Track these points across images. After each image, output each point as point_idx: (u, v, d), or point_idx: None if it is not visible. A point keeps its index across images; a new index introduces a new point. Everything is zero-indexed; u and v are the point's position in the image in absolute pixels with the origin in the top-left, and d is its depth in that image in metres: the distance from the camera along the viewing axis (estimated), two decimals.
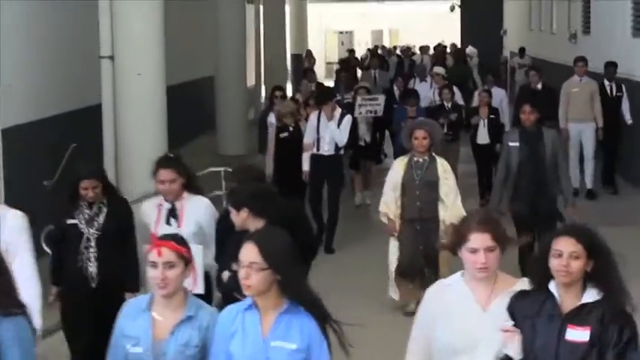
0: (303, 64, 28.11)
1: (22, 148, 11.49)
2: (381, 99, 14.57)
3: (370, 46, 39.98)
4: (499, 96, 15.67)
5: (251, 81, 24.53)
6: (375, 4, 47.19)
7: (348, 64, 24.21)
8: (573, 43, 19.71)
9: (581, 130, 14.50)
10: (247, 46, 21.26)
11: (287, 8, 31.35)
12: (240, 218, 6.27)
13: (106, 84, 11.69)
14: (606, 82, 14.52)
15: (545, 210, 9.31)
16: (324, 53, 44.72)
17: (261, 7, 27.26)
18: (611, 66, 14.57)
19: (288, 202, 10.80)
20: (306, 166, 12.22)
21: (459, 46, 31.77)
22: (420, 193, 8.97)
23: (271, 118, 13.47)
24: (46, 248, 9.98)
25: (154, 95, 11.55)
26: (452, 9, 38.36)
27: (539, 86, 15.73)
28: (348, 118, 12.28)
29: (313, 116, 12.36)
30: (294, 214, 6.83)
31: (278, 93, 14.05)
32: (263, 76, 27.01)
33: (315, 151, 12.18)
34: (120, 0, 11.37)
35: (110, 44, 11.55)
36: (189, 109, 19.05)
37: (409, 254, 9.16)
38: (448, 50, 30.75)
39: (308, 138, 12.20)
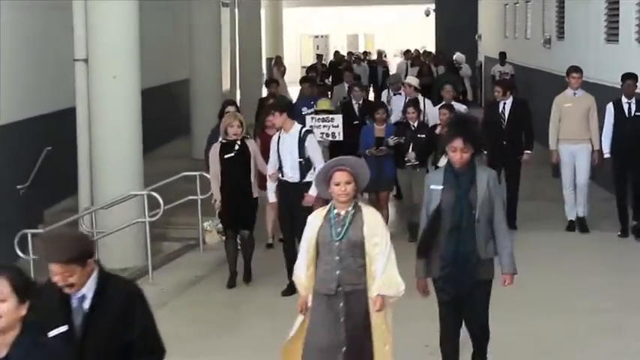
0: (271, 72, 27.23)
1: None
2: (338, 119, 12.36)
3: (346, 50, 39.98)
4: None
5: (226, 84, 24.50)
6: (351, 9, 47.25)
7: (310, 74, 20.41)
8: (547, 48, 19.82)
9: (575, 152, 12.36)
10: (223, 49, 21.23)
11: (262, 12, 31.34)
12: None
13: (80, 87, 11.64)
14: (624, 99, 11.86)
15: (472, 284, 6.76)
16: (300, 57, 44.72)
17: (237, 10, 27.23)
18: (630, 79, 11.90)
19: (233, 232, 10.54)
20: (272, 197, 10.38)
21: (433, 50, 31.80)
22: (341, 258, 6.49)
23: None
24: (19, 253, 9.94)
25: (129, 98, 11.52)
26: (427, 14, 38.50)
27: (509, 102, 12.63)
28: (311, 139, 10.23)
29: (275, 137, 10.33)
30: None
31: (230, 108, 11.51)
32: (238, 80, 26.99)
33: (280, 176, 10.26)
34: (94, 2, 11.33)
35: (85, 47, 11.51)
36: (164, 112, 19.01)
37: (322, 345, 6.57)
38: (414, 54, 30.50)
39: (271, 165, 10.29)
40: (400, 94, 14.77)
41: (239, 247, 10.75)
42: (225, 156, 10.35)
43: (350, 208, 6.51)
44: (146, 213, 11.06)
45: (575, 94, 12.44)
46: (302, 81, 16.09)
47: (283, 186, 10.27)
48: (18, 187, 12.11)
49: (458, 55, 26.57)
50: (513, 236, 10.91)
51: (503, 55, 23.69)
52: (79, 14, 11.52)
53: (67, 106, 12.31)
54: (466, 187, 6.69)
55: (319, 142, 10.85)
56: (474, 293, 6.76)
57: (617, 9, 14.46)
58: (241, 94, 26.16)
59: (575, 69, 12.57)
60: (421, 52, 31.94)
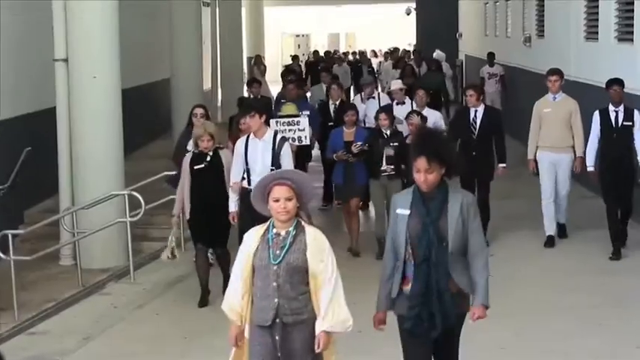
0: (251, 72, 26.95)
1: None
2: (304, 122, 11.65)
3: (327, 49, 39.97)
4: (432, 119, 12.19)
5: (207, 84, 24.47)
6: (332, 8, 47.29)
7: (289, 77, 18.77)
8: (528, 46, 19.88)
9: (556, 162, 11.58)
10: (204, 48, 21.20)
11: (243, 11, 31.33)
12: None
13: (60, 87, 11.60)
14: (611, 107, 10.96)
15: (445, 323, 5.80)
16: (281, 56, 44.74)
17: (218, 9, 27.20)
18: (616, 84, 10.98)
19: (204, 246, 9.80)
20: (232, 206, 9.68)
21: (413, 49, 31.79)
22: (279, 285, 5.65)
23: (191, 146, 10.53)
24: None
25: (109, 98, 11.49)
26: (408, 12, 38.54)
27: (480, 109, 11.64)
28: (287, 146, 9.75)
29: (240, 142, 9.77)
30: None
31: (198, 111, 10.95)
32: (219, 79, 26.96)
33: (245, 184, 9.55)
34: (74, 2, 11.30)
35: (64, 47, 11.47)
36: (144, 112, 18.96)
37: None
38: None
39: (235, 174, 9.67)
40: (374, 97, 14.17)
41: (211, 262, 10.33)
42: (196, 167, 9.74)
43: (291, 228, 5.66)
44: (127, 213, 11.04)
45: (554, 98, 11.56)
46: (286, 82, 15.13)
47: (249, 196, 9.14)
48: None
49: (437, 53, 25.86)
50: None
51: (491, 55, 22.55)
52: (58, 14, 11.48)
53: (47, 106, 12.26)
54: (435, 214, 5.72)
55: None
56: (447, 332, 5.82)
57: (597, 7, 14.52)
58: (222, 94, 26.14)
59: (553, 71, 11.73)
60: (410, 50, 31.67)
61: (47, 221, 11.10)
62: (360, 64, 28.62)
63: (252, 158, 9.64)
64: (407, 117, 11.72)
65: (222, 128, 12.29)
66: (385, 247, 5.99)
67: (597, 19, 14.54)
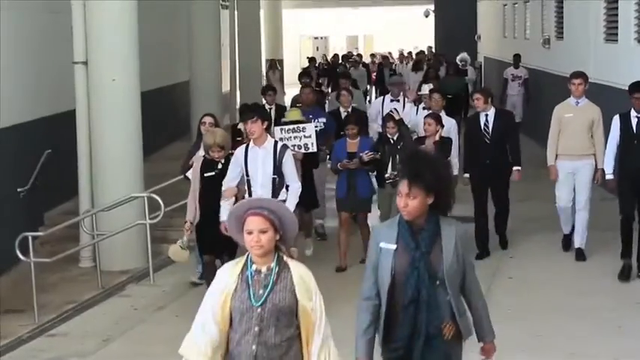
0: (266, 79, 26.31)
1: None
2: (310, 129, 11.14)
3: (345, 52, 39.93)
4: (447, 126, 11.57)
5: (226, 86, 24.50)
6: (350, 10, 47.28)
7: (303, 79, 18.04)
8: (547, 48, 19.82)
9: (575, 169, 10.94)
10: (222, 51, 21.24)
11: (262, 13, 31.36)
12: None
13: (80, 90, 11.66)
14: (633, 113, 10.21)
15: None
16: (299, 59, 44.75)
17: (236, 12, 27.24)
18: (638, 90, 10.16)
19: (212, 259, 9.22)
20: (224, 215, 8.82)
21: (433, 50, 31.75)
22: (261, 329, 4.90)
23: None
24: (19, 255, 9.95)
25: (129, 101, 11.53)
26: (426, 15, 38.47)
27: (491, 113, 11.09)
28: (289, 154, 9.33)
29: (239, 151, 9.30)
30: None
31: (207, 120, 10.62)
32: (238, 82, 26.99)
33: (247, 195, 9.19)
34: (94, 5, 11.35)
35: (84, 50, 11.53)
36: (164, 114, 19.02)
37: None
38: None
39: (228, 180, 9.21)
40: (398, 100, 13.65)
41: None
42: (206, 174, 9.41)
43: (273, 264, 4.91)
44: (147, 215, 11.08)
45: (577, 103, 10.88)
46: (302, 86, 14.28)
47: None
48: (18, 189, 12.12)
49: (462, 56, 24.70)
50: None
51: (517, 57, 21.39)
52: (78, 17, 11.53)
53: (67, 109, 12.32)
54: (426, 247, 4.98)
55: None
56: None
57: (616, 8, 14.46)
58: (241, 96, 26.17)
59: (577, 74, 11.05)
60: (426, 52, 31.49)
61: (67, 223, 11.15)
62: (381, 67, 28.21)
63: (252, 168, 9.21)
64: (424, 119, 11.28)
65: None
66: (362, 288, 5.16)
67: (617, 21, 14.48)
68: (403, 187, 4.96)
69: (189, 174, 10.03)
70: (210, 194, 9.33)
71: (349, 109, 12.94)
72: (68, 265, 11.41)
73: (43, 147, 12.65)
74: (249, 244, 4.86)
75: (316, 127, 11.73)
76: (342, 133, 11.78)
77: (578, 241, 11.11)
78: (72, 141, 11.84)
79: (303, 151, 10.96)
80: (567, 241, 11.42)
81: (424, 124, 11.09)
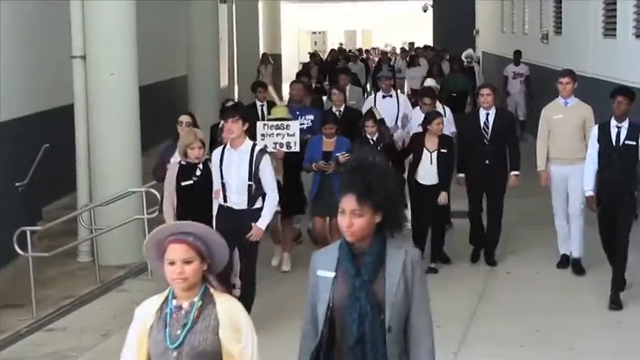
0: (257, 74, 25.37)
1: None
2: (294, 127, 10.58)
3: (345, 47, 39.89)
4: (449, 128, 11.45)
5: (224, 81, 24.50)
6: (348, 5, 47.27)
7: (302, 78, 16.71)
8: (545, 43, 19.82)
9: (568, 175, 10.22)
10: (220, 45, 21.23)
11: (260, 8, 31.35)
12: None
13: (78, 84, 11.63)
14: (613, 122, 9.32)
15: None
16: (297, 53, 44.74)
17: (234, 6, 27.23)
18: (620, 95, 9.33)
19: None
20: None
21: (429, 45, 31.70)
22: None
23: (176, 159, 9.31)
24: (17, 250, 9.94)
25: (127, 95, 11.51)
26: (425, 9, 38.47)
27: (492, 112, 10.58)
28: (266, 160, 8.63)
29: (215, 153, 8.75)
30: None
31: (183, 119, 9.97)
32: (236, 76, 26.99)
33: (221, 201, 8.68)
34: (92, 0, 11.32)
35: (82, 44, 11.50)
36: (162, 109, 18.99)
37: None
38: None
39: (217, 181, 8.71)
40: (391, 96, 13.09)
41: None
42: (183, 183, 8.71)
43: (196, 298, 4.21)
44: (144, 210, 11.07)
45: (566, 103, 10.24)
46: (292, 82, 13.49)
47: (225, 213, 8.58)
48: (16, 184, 12.09)
49: (468, 53, 23.83)
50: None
51: (518, 53, 20.77)
52: (76, 11, 11.50)
53: (65, 104, 12.29)
54: (368, 275, 4.16)
55: (270, 154, 9.21)
56: None
57: (615, 3, 14.45)
58: (239, 91, 26.16)
59: (564, 73, 10.50)
60: (407, 47, 31.21)
61: (65, 218, 11.13)
62: (380, 63, 27.57)
63: (227, 171, 8.56)
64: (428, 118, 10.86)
65: None
66: (303, 324, 4.38)
67: (615, 16, 14.47)
68: (348, 203, 4.12)
69: None
70: (189, 205, 8.60)
71: (341, 109, 12.20)
72: (66, 259, 11.39)
73: (41, 141, 12.62)
74: (171, 276, 4.18)
75: (302, 124, 11.32)
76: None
77: (576, 252, 10.41)
78: (70, 135, 11.82)
79: (284, 149, 10.39)
80: (565, 261, 10.66)
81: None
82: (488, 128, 10.58)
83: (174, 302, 4.25)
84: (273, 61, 27.55)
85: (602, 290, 9.60)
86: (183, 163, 8.76)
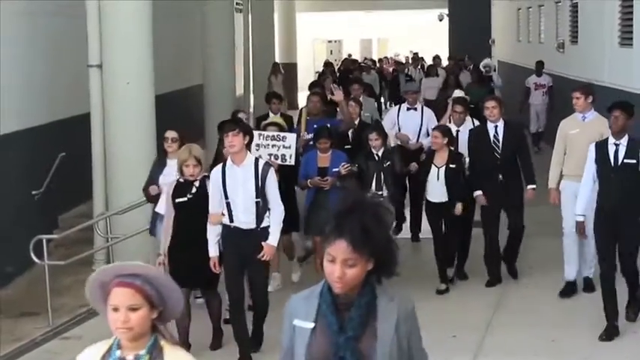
0: (268, 84, 24.77)
1: (10, 158, 11.47)
2: (291, 139, 10.16)
3: (359, 56, 39.87)
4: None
5: (240, 90, 24.52)
6: (365, 14, 47.28)
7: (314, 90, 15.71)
8: (561, 52, 19.78)
9: None
10: (236, 54, 21.26)
11: (276, 17, 31.40)
12: None
13: (94, 93, 11.68)
14: (611, 140, 8.64)
15: None
16: (313, 63, 44.77)
17: (250, 15, 27.28)
18: (617, 109, 8.59)
19: (186, 293, 7.75)
20: (212, 250, 8.22)
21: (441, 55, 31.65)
22: None
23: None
24: (34, 258, 9.98)
25: (143, 104, 11.54)
26: (440, 19, 38.45)
27: (500, 125, 10.22)
28: (272, 173, 8.20)
29: (215, 171, 8.24)
30: None
31: (169, 135, 9.59)
32: (252, 85, 27.02)
33: (227, 221, 8.17)
34: (108, 9, 11.37)
35: (99, 53, 11.55)
36: (178, 118, 19.03)
37: None
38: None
39: (214, 205, 8.18)
40: (415, 109, 12.42)
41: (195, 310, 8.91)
42: (177, 200, 8.36)
43: (143, 351, 3.69)
44: None
45: (584, 117, 9.68)
46: (310, 93, 12.73)
47: (232, 235, 8.16)
48: (33, 192, 12.14)
49: (486, 62, 23.43)
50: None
51: (540, 64, 20.09)
52: (93, 21, 11.56)
53: (81, 112, 12.34)
54: (354, 331, 3.57)
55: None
56: None
57: (631, 12, 14.40)
58: (255, 100, 26.19)
59: (577, 88, 10.07)
60: (410, 58, 30.67)
61: (81, 226, 11.17)
62: (396, 72, 27.24)
63: (231, 189, 8.11)
64: (432, 131, 10.61)
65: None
66: None
67: (632, 24, 14.43)
68: (341, 250, 3.48)
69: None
70: (184, 222, 8.33)
71: (356, 122, 11.84)
72: (82, 267, 11.40)
73: (58, 150, 12.68)
74: (114, 325, 3.63)
75: None
76: (346, 147, 11.04)
77: (588, 270, 9.94)
78: (86, 144, 11.86)
79: (279, 162, 9.94)
80: (571, 290, 9.95)
81: (432, 137, 10.36)
82: (498, 142, 10.17)
83: (117, 353, 3.70)
84: (284, 70, 27.47)
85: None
86: (180, 180, 8.43)
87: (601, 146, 8.67)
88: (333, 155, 10.06)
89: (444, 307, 9.86)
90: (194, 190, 8.34)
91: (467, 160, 10.36)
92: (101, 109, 11.61)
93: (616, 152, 8.52)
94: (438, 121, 12.05)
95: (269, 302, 8.43)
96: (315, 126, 11.04)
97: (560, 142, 9.91)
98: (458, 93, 12.31)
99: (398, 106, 12.91)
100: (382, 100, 25.01)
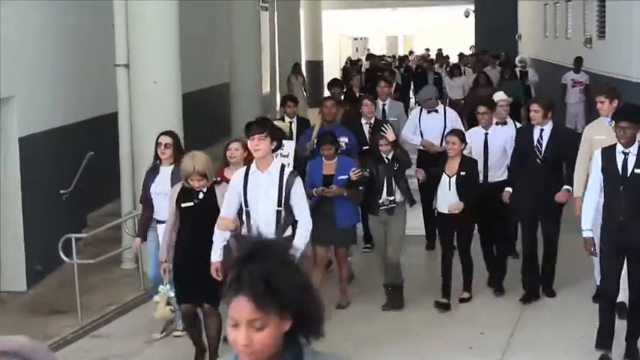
0: (288, 85, 24.14)
1: (39, 157, 11.54)
2: (289, 147, 9.86)
3: (386, 53, 39.78)
4: (476, 139, 10.35)
5: (266, 88, 24.57)
6: (390, 11, 47.22)
7: (345, 85, 16.10)
8: (588, 47, 19.66)
9: None
10: (262, 53, 21.30)
11: (302, 15, 31.43)
12: None
13: (121, 92, 11.73)
14: (619, 148, 7.79)
15: None
16: (339, 60, 44.74)
17: (276, 13, 27.31)
18: (625, 120, 7.73)
19: (192, 307, 7.76)
20: (216, 254, 7.70)
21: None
22: None
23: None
24: (63, 257, 10.04)
25: (170, 103, 11.58)
26: (466, 15, 38.32)
27: (547, 128, 9.56)
28: (299, 183, 7.69)
29: (237, 175, 7.79)
30: None
31: (162, 140, 8.96)
32: (278, 84, 27.05)
33: (245, 232, 7.63)
34: (135, 8, 11.42)
35: (126, 52, 11.60)
36: (204, 116, 19.09)
37: None
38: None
39: (228, 209, 7.69)
40: (437, 111, 11.72)
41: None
42: (183, 205, 7.93)
43: None
44: None
45: (610, 122, 8.49)
46: (325, 98, 12.12)
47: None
48: (61, 191, 12.21)
49: (521, 57, 22.77)
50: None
51: (579, 60, 18.93)
52: (120, 20, 11.62)
53: (109, 112, 12.40)
54: None
55: None
56: None
57: None
58: (281, 98, 26.21)
59: (602, 91, 9.34)
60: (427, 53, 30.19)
61: (109, 225, 11.22)
62: (423, 71, 25.91)
63: (252, 196, 7.59)
64: (446, 137, 9.98)
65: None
66: None
67: None
68: (242, 310, 2.70)
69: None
70: (189, 228, 7.91)
71: (372, 121, 11.28)
72: (111, 266, 11.48)
73: (86, 149, 12.74)
74: None
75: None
76: (365, 148, 10.66)
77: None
78: (114, 143, 11.92)
79: None
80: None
81: (447, 142, 9.75)
82: (541, 146, 9.51)
83: None
84: (309, 68, 27.32)
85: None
86: (185, 185, 8.00)
87: (608, 155, 7.81)
88: (340, 162, 9.60)
89: (471, 305, 9.83)
90: (201, 195, 7.92)
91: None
92: (128, 108, 11.66)
93: (625, 161, 7.69)
94: (463, 123, 11.61)
95: None
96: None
97: (585, 148, 9.07)
98: (501, 95, 11.10)
99: (420, 109, 12.07)
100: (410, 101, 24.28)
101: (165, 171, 8.87)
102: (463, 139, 9.63)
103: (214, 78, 21.00)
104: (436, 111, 11.75)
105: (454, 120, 11.68)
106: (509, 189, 9.86)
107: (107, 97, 12.31)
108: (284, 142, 9.61)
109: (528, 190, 9.56)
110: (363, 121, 11.37)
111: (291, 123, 12.03)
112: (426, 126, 11.58)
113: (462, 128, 10.95)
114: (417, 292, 9.99)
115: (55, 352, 8.98)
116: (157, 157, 9.04)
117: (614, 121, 7.92)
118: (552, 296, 9.92)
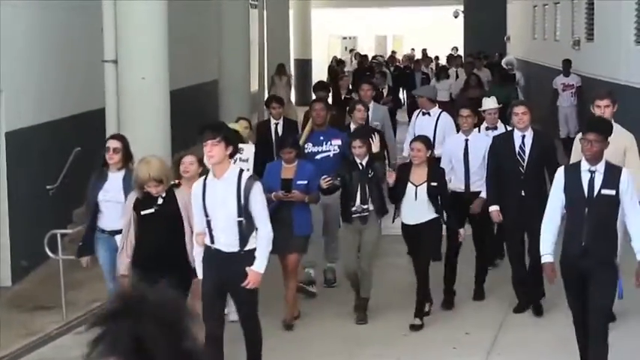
0: (270, 85, 23.67)
1: (25, 152, 11.51)
2: (248, 151, 9.43)
3: (374, 53, 39.79)
4: (456, 146, 9.92)
5: (254, 86, 24.54)
6: (380, 10, 47.24)
7: (330, 86, 15.63)
8: (577, 50, 19.71)
9: None
10: (251, 50, 21.26)
11: (291, 13, 31.42)
12: None
13: (109, 88, 11.70)
14: (584, 164, 7.17)
15: None
16: (328, 59, 44.73)
17: (265, 11, 27.29)
18: (593, 132, 7.10)
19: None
20: (199, 270, 7.40)
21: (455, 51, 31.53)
22: None
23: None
24: (48, 252, 10.00)
25: (158, 99, 11.56)
26: (455, 15, 38.35)
27: (529, 134, 9.14)
28: (257, 188, 7.24)
29: (197, 185, 7.39)
30: None
31: (111, 145, 8.55)
32: (266, 82, 27.03)
33: (208, 242, 7.30)
34: (124, 4, 11.39)
35: (114, 48, 11.57)
36: (192, 113, 19.06)
37: None
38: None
39: (199, 222, 7.35)
40: (429, 114, 11.46)
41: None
42: (143, 212, 7.56)
43: None
44: None
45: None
46: (313, 100, 11.57)
47: (212, 258, 7.25)
48: (47, 187, 12.17)
49: (508, 59, 22.48)
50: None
51: (567, 63, 18.61)
52: (108, 16, 11.59)
53: (96, 107, 12.37)
54: None
55: None
56: None
57: None
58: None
59: (602, 95, 8.89)
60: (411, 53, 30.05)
61: None
62: (411, 71, 25.57)
63: (211, 205, 7.19)
64: (410, 144, 9.37)
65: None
66: None
67: None
68: None
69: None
70: (152, 236, 7.52)
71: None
72: (96, 262, 11.44)
73: (73, 145, 12.70)
74: None
75: (327, 151, 10.08)
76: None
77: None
78: (101, 139, 11.86)
79: None
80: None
81: (411, 149, 9.13)
82: (524, 154, 9.09)
83: None
84: (297, 67, 27.30)
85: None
86: (139, 197, 7.64)
87: (571, 174, 7.19)
88: (299, 166, 9.15)
89: (457, 306, 9.83)
90: (160, 201, 7.58)
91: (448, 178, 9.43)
92: (116, 104, 11.63)
93: (591, 180, 7.06)
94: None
95: (260, 329, 7.52)
96: (321, 138, 10.24)
97: (576, 158, 8.03)
98: (490, 104, 10.63)
99: (417, 112, 11.91)
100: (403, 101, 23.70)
101: (115, 177, 8.47)
102: (429, 146, 9.10)
103: (203, 75, 20.97)
104: (429, 114, 11.50)
105: (446, 126, 11.29)
106: (495, 207, 9.23)
107: (95, 93, 12.28)
108: (243, 146, 9.21)
109: (512, 202, 9.08)
110: (352, 125, 10.92)
111: (277, 124, 11.73)
112: (419, 129, 11.16)
113: (455, 135, 10.46)
114: (402, 292, 9.98)
115: (39, 348, 8.97)
116: (104, 162, 8.56)
117: (580, 133, 7.45)
118: (541, 315, 9.37)
